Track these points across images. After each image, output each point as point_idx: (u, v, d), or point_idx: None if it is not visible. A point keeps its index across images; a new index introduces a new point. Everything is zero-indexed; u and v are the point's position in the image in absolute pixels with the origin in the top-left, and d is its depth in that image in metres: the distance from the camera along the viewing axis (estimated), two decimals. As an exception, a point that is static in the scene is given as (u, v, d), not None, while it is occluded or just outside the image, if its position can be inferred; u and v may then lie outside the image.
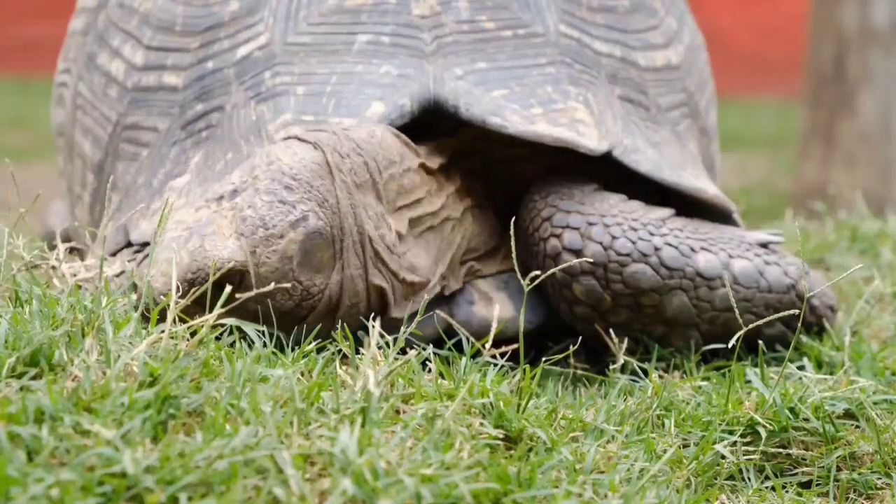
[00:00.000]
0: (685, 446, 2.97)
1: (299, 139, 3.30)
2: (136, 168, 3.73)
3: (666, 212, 3.58)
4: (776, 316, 3.21)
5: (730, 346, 3.11)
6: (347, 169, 3.30)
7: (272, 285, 3.09)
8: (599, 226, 3.49)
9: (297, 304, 3.21)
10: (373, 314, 3.28)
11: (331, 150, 3.29)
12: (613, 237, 3.48)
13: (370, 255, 3.31)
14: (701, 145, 3.95)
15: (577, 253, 3.47)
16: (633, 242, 3.48)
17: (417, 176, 3.44)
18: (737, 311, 3.11)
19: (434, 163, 3.49)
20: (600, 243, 3.48)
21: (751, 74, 14.15)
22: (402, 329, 2.98)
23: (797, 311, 3.34)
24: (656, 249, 3.49)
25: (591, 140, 3.55)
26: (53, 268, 3.17)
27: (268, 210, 3.18)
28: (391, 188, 3.37)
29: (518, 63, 3.62)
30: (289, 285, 3.17)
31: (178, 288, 3.01)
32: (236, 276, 3.12)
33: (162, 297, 3.03)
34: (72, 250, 3.59)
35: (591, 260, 3.45)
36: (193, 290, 2.99)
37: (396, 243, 3.36)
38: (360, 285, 3.31)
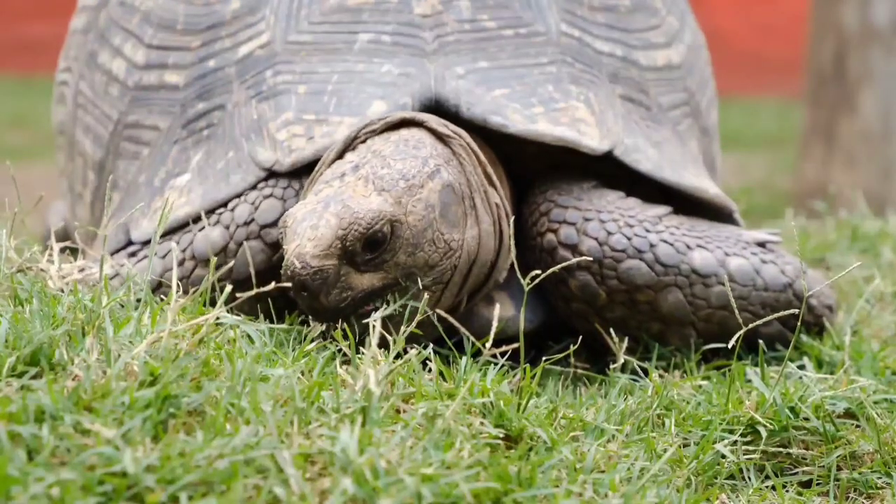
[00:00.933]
0: (685, 446, 2.97)
1: (406, 121, 3.38)
2: (138, 166, 3.74)
3: (663, 209, 3.58)
4: (774, 316, 3.21)
5: (730, 346, 3.11)
6: (453, 137, 3.39)
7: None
8: (595, 221, 3.49)
9: (442, 257, 3.25)
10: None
11: (435, 122, 3.38)
12: (609, 233, 3.48)
13: (495, 211, 3.39)
14: (702, 145, 3.95)
15: (573, 248, 3.47)
16: (629, 239, 3.49)
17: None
18: (735, 310, 3.11)
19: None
20: (596, 239, 3.48)
21: (751, 74, 14.15)
22: (403, 329, 2.97)
23: (795, 311, 3.34)
24: (652, 246, 3.49)
25: (592, 139, 3.55)
26: (42, 270, 3.17)
27: (403, 164, 3.25)
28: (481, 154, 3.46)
29: (519, 62, 3.62)
30: (434, 236, 3.24)
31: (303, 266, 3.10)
32: (388, 229, 3.17)
33: (312, 263, 3.09)
34: (69, 250, 3.59)
35: (587, 255, 3.46)
36: (348, 245, 3.10)
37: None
38: (492, 242, 3.39)
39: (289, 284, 3.12)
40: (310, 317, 3.17)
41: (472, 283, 3.36)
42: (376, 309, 3.15)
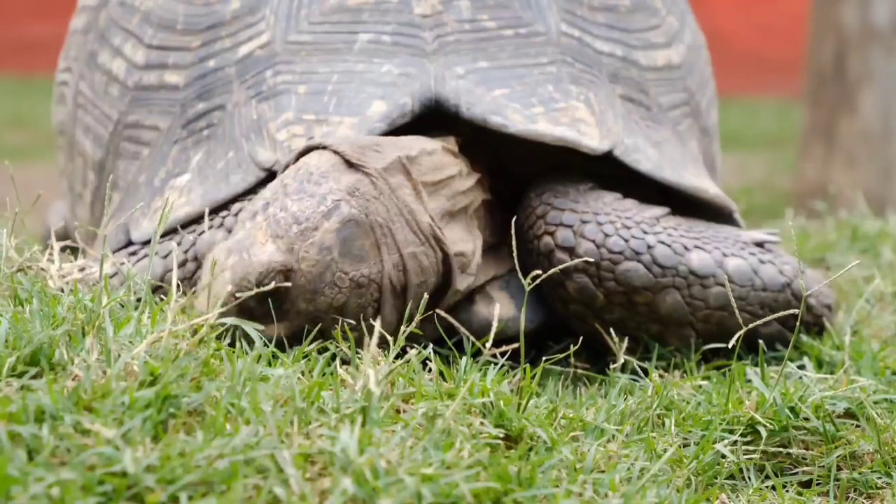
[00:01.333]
0: (685, 446, 2.97)
1: (317, 147, 3.31)
2: (138, 167, 3.74)
3: (660, 210, 3.58)
4: (773, 316, 3.21)
5: (730, 345, 3.11)
6: (371, 158, 3.29)
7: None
8: (593, 223, 3.49)
9: (349, 297, 3.18)
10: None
11: (348, 147, 3.29)
12: (606, 235, 3.48)
13: (426, 230, 3.30)
14: (702, 145, 3.95)
15: (570, 251, 3.47)
16: (626, 240, 3.49)
17: (445, 157, 3.43)
18: (736, 310, 3.12)
19: (454, 146, 3.49)
20: (593, 241, 3.48)
21: (751, 74, 14.15)
22: (402, 329, 2.97)
23: (794, 311, 3.34)
24: (649, 247, 3.50)
25: (592, 139, 3.55)
26: (43, 269, 3.17)
27: (298, 206, 3.18)
28: (423, 164, 3.38)
29: (519, 62, 3.62)
30: (336, 277, 3.16)
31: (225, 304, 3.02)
32: (280, 278, 3.11)
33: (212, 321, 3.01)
34: (69, 249, 3.59)
35: (584, 258, 3.45)
36: (239, 299, 3.01)
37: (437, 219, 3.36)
38: (424, 261, 3.30)
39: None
40: None
41: (416, 304, 3.21)
42: None
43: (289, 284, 3.11)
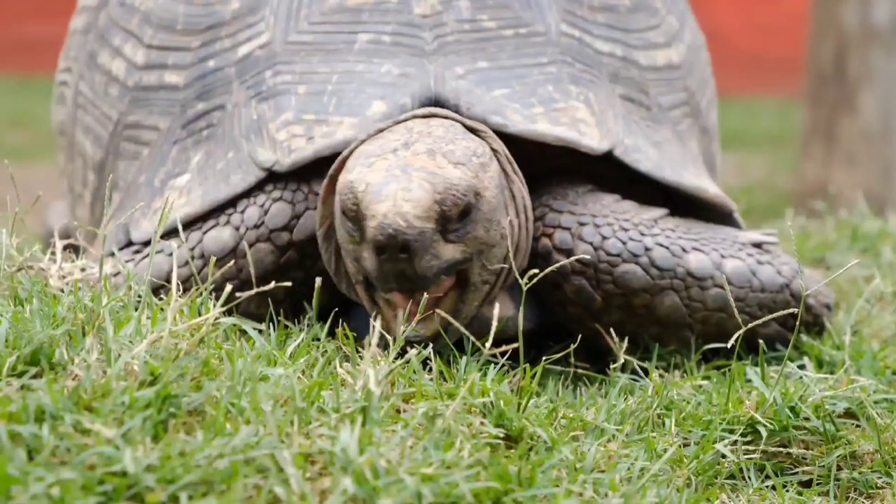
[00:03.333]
0: (686, 445, 2.97)
1: (423, 116, 3.36)
2: (138, 167, 3.74)
3: (658, 212, 3.58)
4: (771, 316, 3.22)
5: (729, 345, 3.12)
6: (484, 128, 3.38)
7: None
8: (590, 226, 3.49)
9: (501, 240, 3.24)
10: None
11: (459, 118, 3.37)
12: (604, 237, 3.48)
13: (521, 205, 3.40)
14: (702, 144, 3.95)
15: (568, 253, 3.47)
16: (624, 243, 3.49)
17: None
18: (735, 311, 3.12)
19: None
20: (590, 243, 3.48)
21: (752, 74, 14.15)
22: (402, 328, 2.98)
23: (792, 310, 3.34)
24: (647, 250, 3.49)
25: (592, 139, 3.55)
26: (42, 269, 3.17)
27: (466, 143, 3.23)
28: None
29: (519, 62, 3.62)
30: (500, 216, 3.23)
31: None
32: (474, 200, 3.16)
33: (416, 223, 3.03)
34: (71, 248, 3.59)
35: (582, 260, 3.45)
36: (445, 210, 3.07)
37: None
38: (522, 235, 3.39)
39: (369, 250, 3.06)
40: (386, 285, 3.11)
41: (504, 278, 3.34)
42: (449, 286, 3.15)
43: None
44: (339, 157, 3.36)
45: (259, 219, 3.43)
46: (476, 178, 3.18)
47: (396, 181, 3.08)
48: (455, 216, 3.14)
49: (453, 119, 3.37)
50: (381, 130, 3.35)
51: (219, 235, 3.43)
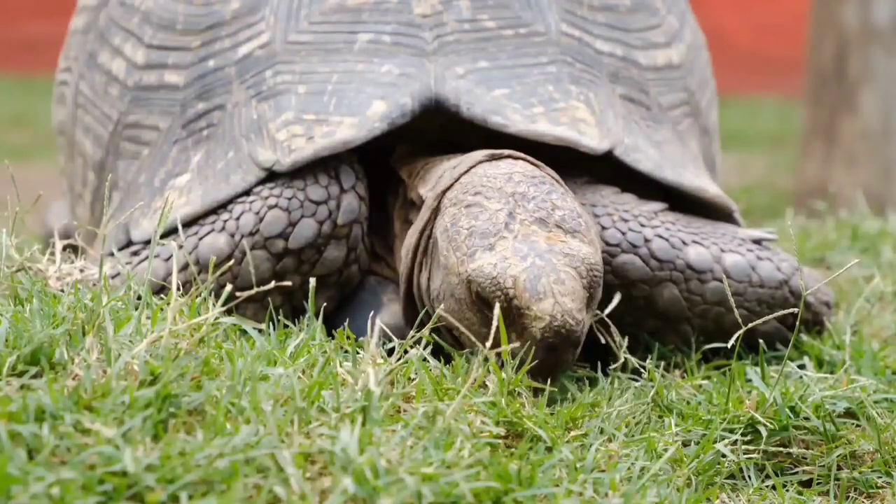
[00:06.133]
0: (686, 445, 2.97)
1: (500, 157, 3.36)
2: (138, 167, 3.74)
3: (658, 205, 3.58)
4: (773, 315, 3.21)
5: (729, 345, 3.12)
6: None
7: None
8: (589, 216, 3.48)
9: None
10: None
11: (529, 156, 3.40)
12: (603, 228, 3.47)
13: None
14: (702, 144, 3.95)
15: None
16: (623, 233, 3.48)
17: None
18: (733, 305, 3.12)
19: None
20: None
21: (752, 73, 14.15)
22: (411, 333, 2.98)
23: (792, 309, 3.34)
24: (646, 241, 3.49)
25: (592, 139, 3.55)
26: (39, 270, 3.17)
27: (564, 203, 3.22)
28: None
29: (519, 62, 3.62)
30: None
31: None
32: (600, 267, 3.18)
33: (579, 317, 3.02)
34: (71, 248, 3.59)
35: None
36: (591, 292, 3.10)
37: None
38: None
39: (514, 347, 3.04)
40: (542, 375, 3.06)
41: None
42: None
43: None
44: (435, 192, 3.33)
45: (254, 226, 3.42)
46: (592, 244, 3.19)
47: (545, 274, 3.04)
48: (594, 294, 3.14)
49: (518, 158, 3.34)
50: (457, 177, 3.32)
51: (214, 242, 3.42)
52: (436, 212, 3.33)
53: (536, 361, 3.03)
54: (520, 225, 3.15)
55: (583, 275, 3.09)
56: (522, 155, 3.38)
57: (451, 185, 3.32)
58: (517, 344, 3.05)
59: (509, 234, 3.14)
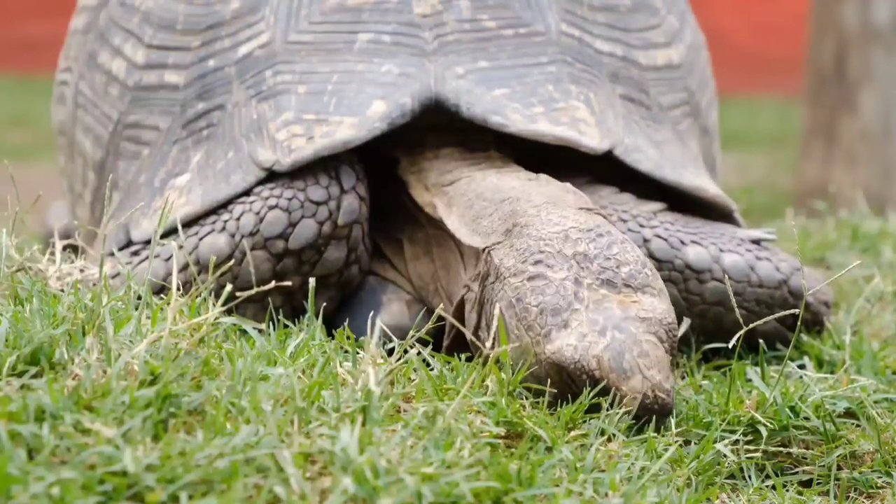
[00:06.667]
0: (686, 445, 2.97)
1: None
2: (138, 167, 3.74)
3: (657, 205, 3.58)
4: (774, 316, 3.20)
5: (730, 346, 3.11)
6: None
7: None
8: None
9: None
10: None
11: (584, 202, 3.29)
12: None
13: None
14: (702, 144, 3.95)
15: None
16: (622, 233, 3.48)
17: None
18: (734, 304, 3.12)
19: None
20: None
21: (752, 73, 14.15)
22: (411, 333, 2.98)
23: (792, 308, 3.33)
24: (645, 241, 3.49)
25: (592, 139, 3.55)
26: (39, 270, 3.17)
27: (625, 255, 3.11)
28: None
29: (519, 62, 3.62)
30: None
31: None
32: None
33: (669, 388, 2.95)
34: (71, 248, 3.59)
35: None
36: (672, 354, 3.01)
37: None
38: None
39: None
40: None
41: None
42: None
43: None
44: (488, 245, 3.23)
45: (254, 226, 3.42)
46: (663, 291, 3.09)
47: (628, 349, 2.95)
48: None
49: (552, 204, 3.24)
50: (506, 228, 3.20)
51: (214, 242, 3.42)
52: (486, 271, 3.21)
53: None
54: (588, 291, 3.03)
55: (663, 339, 3.00)
56: (570, 201, 3.26)
57: (501, 241, 3.20)
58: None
59: (580, 305, 3.02)
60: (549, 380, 2.99)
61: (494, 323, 3.04)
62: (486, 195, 3.35)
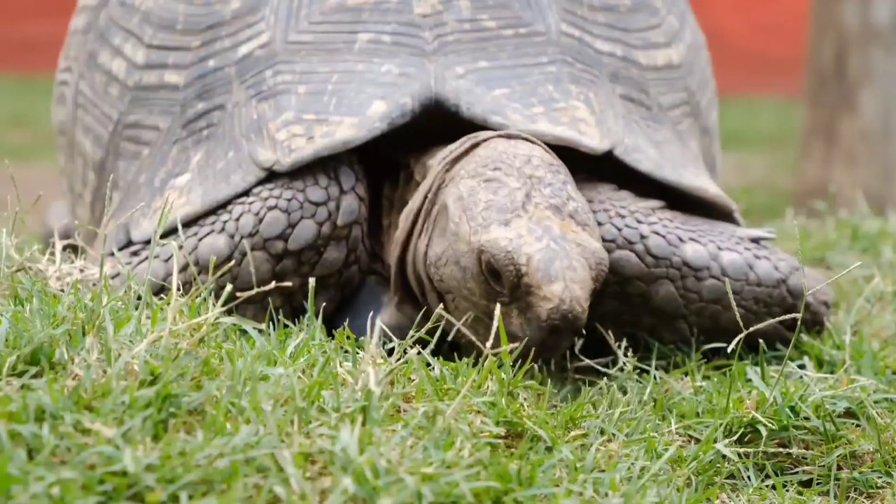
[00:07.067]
0: (686, 445, 2.97)
1: (507, 136, 3.42)
2: (138, 166, 3.74)
3: (656, 202, 3.58)
4: (776, 320, 3.20)
5: (729, 349, 3.12)
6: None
7: None
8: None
9: None
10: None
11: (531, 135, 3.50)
12: (599, 223, 3.46)
13: None
14: (702, 144, 3.95)
15: None
16: (619, 229, 3.48)
17: None
18: (732, 303, 3.12)
19: None
20: None
21: (752, 73, 14.15)
22: (411, 333, 2.98)
23: (792, 309, 3.33)
24: (642, 237, 3.49)
25: (592, 139, 3.55)
26: (39, 270, 3.17)
27: (576, 195, 3.31)
28: None
29: (519, 62, 3.62)
30: None
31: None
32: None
33: (585, 305, 3.10)
34: (71, 248, 3.59)
35: None
36: (596, 287, 3.17)
37: None
38: None
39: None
40: (544, 355, 3.16)
41: None
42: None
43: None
44: (447, 157, 3.40)
45: (254, 227, 3.42)
46: (599, 240, 3.27)
47: (559, 258, 3.13)
48: (598, 288, 3.21)
49: (533, 143, 3.41)
50: (474, 145, 3.39)
51: (214, 243, 3.42)
52: (443, 179, 3.39)
53: (534, 342, 3.11)
54: (535, 208, 3.23)
55: (592, 267, 3.17)
56: (538, 140, 3.43)
57: (463, 154, 3.40)
58: (517, 323, 3.14)
59: (525, 214, 3.21)
60: (468, 272, 3.19)
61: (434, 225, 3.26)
62: (465, 138, 3.49)
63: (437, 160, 3.45)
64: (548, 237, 3.16)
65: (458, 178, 3.35)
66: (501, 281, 3.16)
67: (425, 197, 3.42)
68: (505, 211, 3.22)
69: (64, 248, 3.32)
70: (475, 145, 3.41)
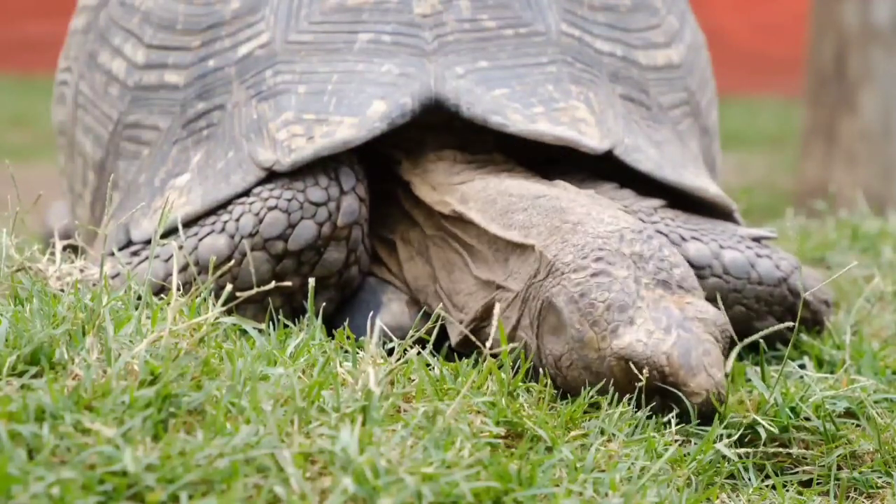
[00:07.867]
0: (686, 445, 2.97)
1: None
2: (138, 166, 3.74)
3: (657, 201, 3.58)
4: (777, 327, 3.20)
5: (731, 354, 3.12)
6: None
7: None
8: None
9: None
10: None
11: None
12: None
13: None
14: (702, 144, 3.95)
15: None
16: None
17: None
18: (737, 301, 3.12)
19: None
20: None
21: (752, 73, 14.15)
22: (410, 333, 2.98)
23: (793, 307, 3.33)
24: None
25: (592, 139, 3.55)
26: (39, 270, 3.17)
27: (675, 258, 3.20)
28: None
29: (519, 62, 3.62)
30: None
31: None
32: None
33: (724, 394, 3.02)
34: (71, 248, 3.59)
35: None
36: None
37: None
38: None
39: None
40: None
41: None
42: None
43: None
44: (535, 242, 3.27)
45: (254, 227, 3.42)
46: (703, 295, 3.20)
47: (693, 347, 3.02)
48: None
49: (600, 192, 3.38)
50: (555, 229, 3.25)
51: (214, 243, 3.42)
52: (536, 266, 3.24)
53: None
54: (646, 290, 3.11)
55: (718, 339, 3.08)
56: (599, 194, 3.35)
57: (549, 242, 3.23)
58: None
59: (642, 303, 3.08)
60: (602, 377, 3.06)
61: (546, 325, 3.12)
62: (511, 191, 3.39)
63: (514, 236, 3.31)
64: (674, 325, 3.04)
65: (560, 272, 3.17)
66: (648, 380, 3.03)
67: (522, 295, 3.25)
68: (626, 308, 3.06)
69: (64, 248, 3.32)
70: (558, 226, 3.26)
